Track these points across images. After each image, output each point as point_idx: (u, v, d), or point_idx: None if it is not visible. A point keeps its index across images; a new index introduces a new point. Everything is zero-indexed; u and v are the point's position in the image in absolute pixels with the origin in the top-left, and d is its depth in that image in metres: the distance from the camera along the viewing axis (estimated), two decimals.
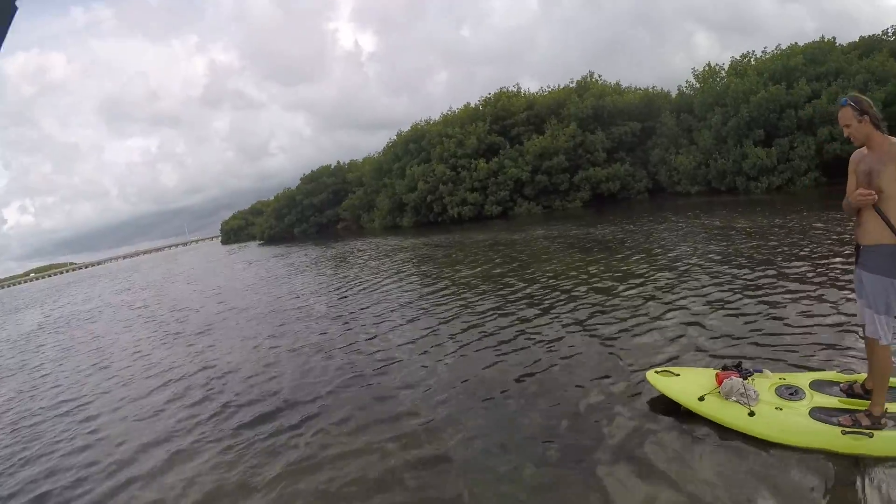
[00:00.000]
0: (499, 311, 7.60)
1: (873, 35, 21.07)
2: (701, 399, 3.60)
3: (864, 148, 3.02)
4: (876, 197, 2.83)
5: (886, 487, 2.74)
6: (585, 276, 8.93)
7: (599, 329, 6.06)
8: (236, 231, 69.57)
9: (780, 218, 12.07)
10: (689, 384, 3.82)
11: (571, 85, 29.51)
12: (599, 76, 29.31)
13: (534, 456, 3.60)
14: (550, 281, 9.05)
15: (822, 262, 7.32)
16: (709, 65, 23.03)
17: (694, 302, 6.47)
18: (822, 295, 5.87)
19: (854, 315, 4.07)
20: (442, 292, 9.76)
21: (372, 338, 7.39)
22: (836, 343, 4.51)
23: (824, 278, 6.53)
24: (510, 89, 31.45)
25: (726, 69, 22.37)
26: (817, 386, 3.52)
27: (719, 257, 8.79)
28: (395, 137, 35.50)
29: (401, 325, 7.86)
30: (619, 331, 5.87)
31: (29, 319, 21.66)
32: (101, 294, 26.89)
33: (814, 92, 18.23)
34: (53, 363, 10.32)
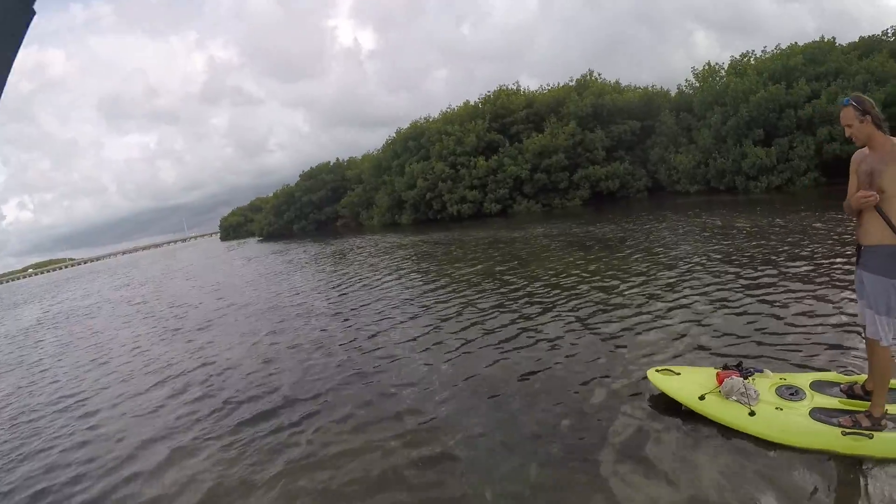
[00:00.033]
0: (500, 309, 7.60)
1: (873, 35, 21.04)
2: (701, 398, 3.61)
3: (866, 148, 3.01)
4: (877, 198, 2.83)
5: (886, 489, 2.75)
6: (586, 275, 8.94)
7: (601, 327, 6.07)
8: (235, 227, 69.47)
9: (780, 217, 12.08)
10: (689, 383, 3.82)
11: (571, 83, 29.42)
12: (599, 75, 29.23)
13: (536, 455, 3.60)
14: (551, 279, 9.06)
15: (824, 262, 7.33)
16: (708, 64, 23.01)
17: (695, 301, 6.48)
18: (824, 295, 5.87)
19: (855, 315, 4.07)
20: (442, 290, 9.76)
21: (373, 335, 7.38)
22: (837, 344, 4.51)
23: (825, 278, 6.53)
24: (510, 87, 31.38)
25: (726, 68, 22.35)
26: (818, 386, 3.52)
27: (720, 256, 8.80)
28: (394, 135, 35.47)
29: (401, 322, 7.85)
30: (621, 329, 5.88)
31: (28, 315, 21.64)
32: (100, 290, 26.87)
33: (813, 92, 18.21)
34: (52, 358, 10.32)
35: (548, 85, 31.01)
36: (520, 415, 4.24)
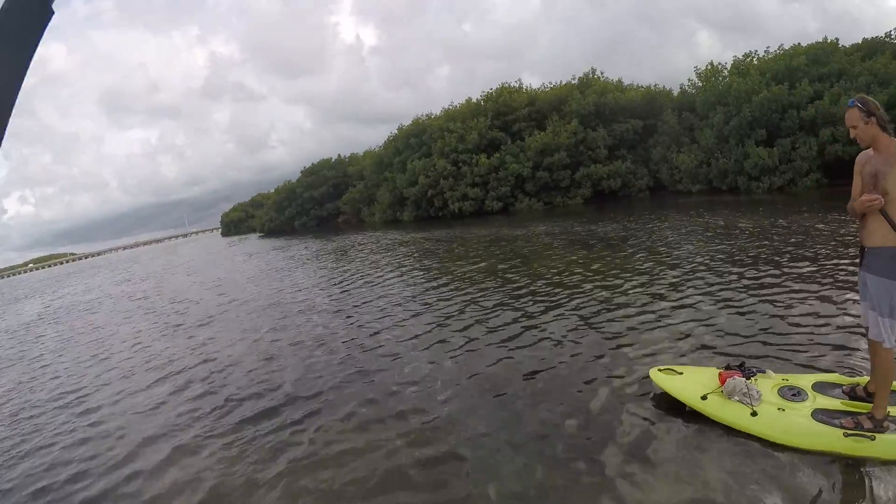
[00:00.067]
0: (503, 307, 7.60)
1: (876, 37, 21.03)
2: (704, 398, 3.62)
3: (871, 150, 3.01)
4: (882, 202, 2.83)
5: (888, 491, 2.76)
6: (589, 274, 8.94)
7: (604, 326, 6.08)
8: (236, 223, 69.45)
9: (783, 218, 12.07)
10: (692, 383, 3.83)
11: (573, 81, 29.42)
12: (601, 73, 29.28)
13: (541, 454, 3.59)
14: (554, 277, 9.07)
15: (827, 263, 7.33)
16: (711, 64, 23.02)
17: (699, 300, 6.48)
18: (827, 296, 5.88)
19: (858, 317, 4.07)
20: (445, 287, 9.76)
21: (375, 332, 7.38)
22: (840, 345, 4.52)
23: (829, 279, 6.53)
24: (512, 85, 31.37)
25: (729, 68, 22.33)
26: (820, 387, 3.53)
27: (723, 256, 8.81)
28: (396, 131, 35.51)
29: (404, 319, 7.85)
30: (624, 328, 5.88)
31: (28, 310, 21.64)
32: (101, 285, 26.87)
33: (816, 93, 18.19)
34: (53, 354, 10.31)
35: (550, 83, 31.07)
36: (524, 414, 4.24)
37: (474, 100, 31.84)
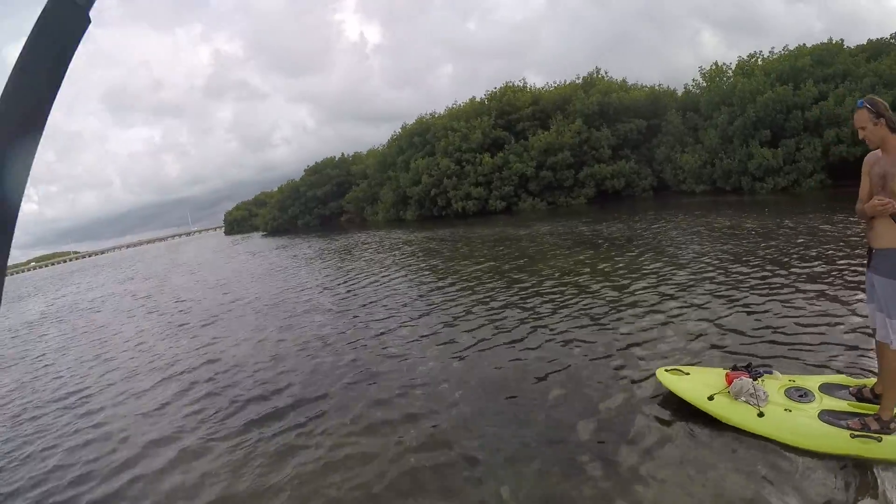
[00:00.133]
0: (510, 308, 7.59)
1: (882, 38, 20.93)
2: (710, 398, 3.62)
3: (879, 151, 3.01)
4: (895, 206, 2.82)
5: (895, 492, 2.75)
6: (595, 273, 8.94)
7: (612, 326, 6.07)
8: (240, 222, 69.61)
9: (788, 219, 12.05)
10: (698, 383, 3.83)
11: (577, 81, 29.35)
12: (606, 73, 29.25)
13: (554, 457, 3.56)
14: (561, 277, 9.06)
15: (834, 264, 7.32)
16: (716, 64, 22.97)
17: (707, 301, 6.47)
18: (834, 297, 5.86)
19: (866, 318, 4.06)
20: (451, 287, 9.76)
21: (382, 333, 7.35)
22: (847, 346, 4.51)
23: (836, 280, 6.52)
24: (516, 84, 31.33)
25: (733, 69, 22.28)
26: (827, 389, 3.52)
27: (730, 257, 8.79)
28: (399, 130, 35.53)
29: (411, 320, 7.83)
30: (633, 328, 5.87)
31: (32, 308, 21.70)
32: (105, 283, 26.95)
33: (821, 94, 18.14)
34: (56, 353, 10.29)
35: (554, 82, 31.00)
36: (534, 415, 4.19)
37: (478, 99, 31.88)
